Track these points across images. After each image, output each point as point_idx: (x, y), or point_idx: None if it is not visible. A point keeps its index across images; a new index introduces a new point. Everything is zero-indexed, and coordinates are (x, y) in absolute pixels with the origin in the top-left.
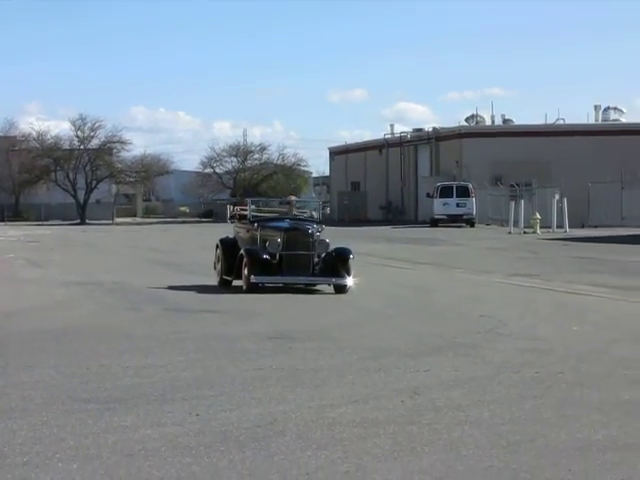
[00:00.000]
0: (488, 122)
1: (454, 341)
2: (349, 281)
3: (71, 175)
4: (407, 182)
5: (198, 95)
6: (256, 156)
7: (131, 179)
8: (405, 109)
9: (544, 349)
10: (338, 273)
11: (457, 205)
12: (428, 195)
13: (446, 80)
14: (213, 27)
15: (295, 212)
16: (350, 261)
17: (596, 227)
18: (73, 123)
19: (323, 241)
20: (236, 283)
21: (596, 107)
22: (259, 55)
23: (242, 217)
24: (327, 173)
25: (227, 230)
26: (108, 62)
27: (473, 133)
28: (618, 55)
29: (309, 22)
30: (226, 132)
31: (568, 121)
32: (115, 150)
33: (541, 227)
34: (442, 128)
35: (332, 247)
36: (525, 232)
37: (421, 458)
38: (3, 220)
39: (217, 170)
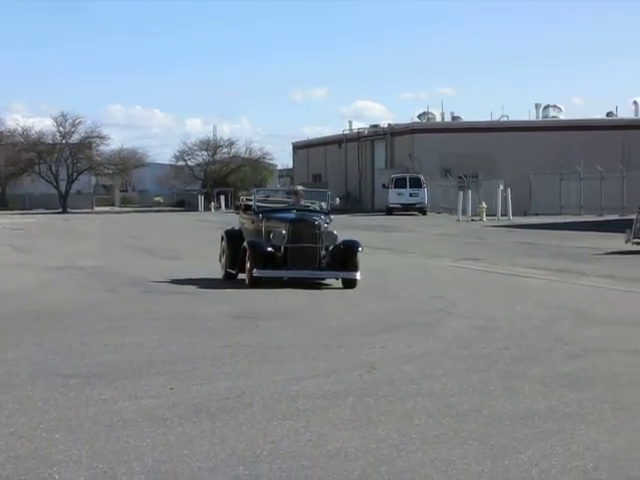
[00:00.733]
0: (438, 119)
1: (408, 320)
2: (358, 275)
3: (53, 168)
4: (364, 174)
5: (171, 93)
6: (225, 150)
7: (109, 171)
8: (363, 107)
9: (490, 327)
10: (346, 267)
11: (410, 195)
12: (384, 186)
13: (401, 80)
14: (185, 26)
15: (303, 203)
16: (358, 254)
17: (537, 215)
18: (55, 120)
19: (331, 233)
20: (242, 276)
21: (537, 105)
22: (228, 55)
23: (247, 207)
24: (291, 166)
25: (196, 218)
26: (88, 62)
27: (425, 129)
28: (558, 58)
29: (274, 22)
30: (197, 128)
31: (511, 118)
32: (94, 144)
33: (487, 215)
34: (396, 124)
35: (340, 239)
36: (472, 220)
37: (377, 427)
38: None
39: (189, 163)
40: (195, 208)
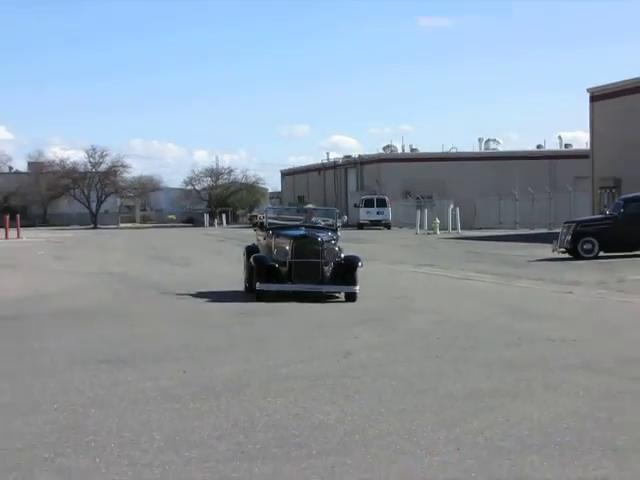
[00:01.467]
0: (400, 150)
1: (377, 315)
2: (357, 289)
3: (85, 191)
4: (339, 195)
5: (182, 129)
6: (225, 176)
7: (131, 194)
8: (338, 140)
9: (443, 320)
10: (347, 281)
11: (377, 213)
12: (355, 205)
13: (369, 119)
14: (194, 70)
15: (314, 220)
16: (358, 268)
17: (480, 229)
18: (87, 152)
19: (332, 249)
20: None
21: (480, 139)
22: (228, 96)
23: (262, 225)
24: (279, 189)
25: (202, 233)
26: (113, 102)
27: (389, 159)
28: (497, 97)
29: (265, 66)
30: (203, 158)
31: (459, 149)
32: (119, 172)
33: (440, 229)
34: (365, 155)
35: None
36: (428, 233)
37: (352, 402)
38: (35, 226)
39: (196, 187)
40: (201, 224)
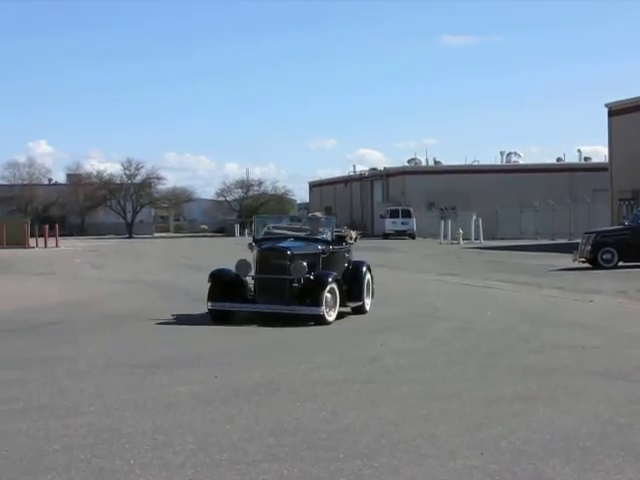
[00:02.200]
0: (424, 163)
1: (401, 322)
2: (321, 311)
3: (121, 202)
4: (365, 206)
5: (214, 143)
6: (256, 188)
7: (165, 205)
8: (364, 154)
9: (466, 328)
10: (312, 301)
11: (402, 223)
12: (381, 216)
13: (395, 132)
14: (225, 86)
15: (321, 230)
16: (330, 289)
17: (502, 239)
18: (123, 164)
19: (299, 264)
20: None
21: (501, 152)
22: (259, 110)
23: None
24: (307, 200)
25: (233, 242)
26: (148, 116)
27: (413, 171)
28: (517, 116)
29: (293, 94)
30: (234, 170)
31: (482, 162)
32: (153, 184)
33: (463, 239)
34: (391, 168)
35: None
36: (451, 243)
37: (379, 407)
38: (72, 235)
39: (227, 198)
40: (232, 234)
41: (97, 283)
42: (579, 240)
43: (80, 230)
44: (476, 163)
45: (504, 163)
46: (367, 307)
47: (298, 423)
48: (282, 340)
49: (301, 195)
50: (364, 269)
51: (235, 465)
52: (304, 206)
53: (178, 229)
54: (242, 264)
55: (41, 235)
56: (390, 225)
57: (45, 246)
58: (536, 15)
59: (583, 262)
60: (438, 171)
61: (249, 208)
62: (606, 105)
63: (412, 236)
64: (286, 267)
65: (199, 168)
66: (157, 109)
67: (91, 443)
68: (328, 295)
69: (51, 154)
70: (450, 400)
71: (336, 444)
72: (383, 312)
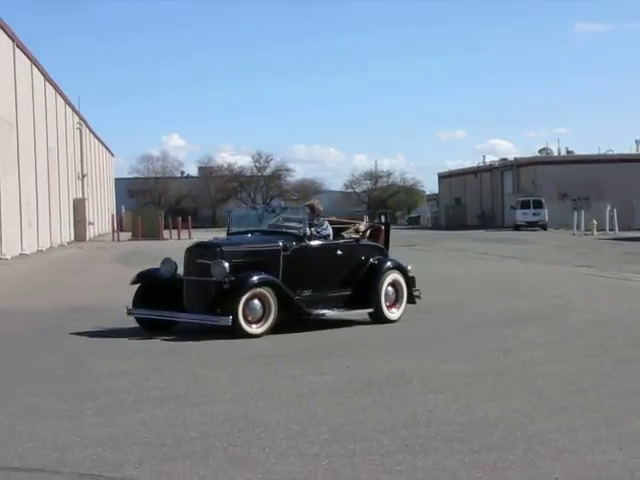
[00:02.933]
0: (556, 153)
1: (535, 314)
2: (233, 321)
3: (252, 194)
4: (495, 197)
5: (343, 135)
6: (384, 179)
7: (294, 197)
8: (494, 144)
9: (602, 320)
10: (223, 309)
11: (533, 214)
12: (512, 207)
13: (526, 123)
14: (367, 76)
15: (321, 220)
16: (253, 295)
17: (638, 230)
18: (253, 157)
19: (219, 263)
20: None
21: (636, 141)
22: (388, 101)
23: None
24: (437, 191)
25: None
26: (279, 111)
27: (545, 161)
28: None
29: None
30: (363, 162)
31: (616, 151)
32: (282, 176)
33: (597, 230)
34: (521, 158)
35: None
36: (585, 234)
37: (513, 400)
38: (204, 227)
39: (356, 190)
40: None
41: None
42: None
43: (211, 222)
44: (610, 152)
45: (639, 152)
46: (389, 314)
47: (431, 415)
48: (411, 333)
49: (430, 186)
50: (384, 269)
51: (369, 456)
52: (433, 197)
53: None
54: (166, 263)
55: (174, 227)
56: (521, 216)
57: (178, 238)
58: None
59: None
60: (571, 161)
61: (378, 200)
62: None
63: (544, 227)
64: (208, 267)
65: (328, 160)
66: (287, 101)
67: (227, 431)
68: (257, 303)
69: (183, 147)
70: (587, 393)
71: (470, 436)
72: (514, 303)
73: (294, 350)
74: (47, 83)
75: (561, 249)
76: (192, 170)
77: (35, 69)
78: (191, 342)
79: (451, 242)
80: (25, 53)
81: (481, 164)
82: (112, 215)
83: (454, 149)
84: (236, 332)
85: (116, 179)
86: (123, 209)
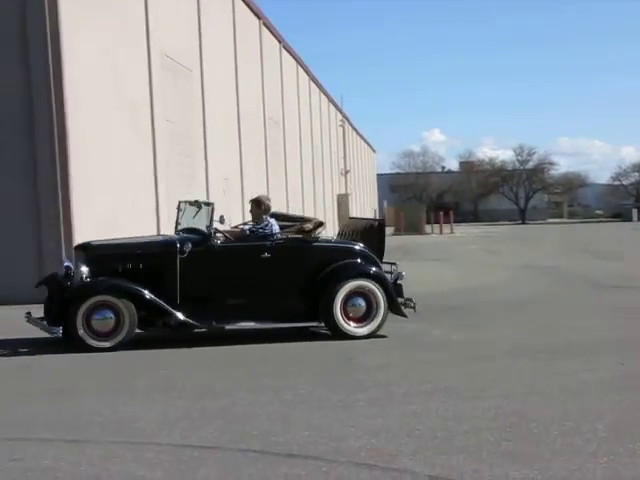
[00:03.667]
0: None
1: None
2: (58, 332)
3: (514, 189)
4: None
5: (609, 127)
6: None
7: (557, 190)
8: None
9: None
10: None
11: None
12: None
13: None
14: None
15: (265, 219)
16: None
17: None
18: (515, 150)
19: (76, 269)
20: None
21: None
22: None
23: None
24: None
25: (630, 227)
26: (543, 104)
27: None
28: None
29: None
30: (631, 154)
31: None
32: (546, 169)
33: None
34: None
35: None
36: None
37: None
38: (465, 221)
39: (624, 182)
40: (629, 219)
41: (493, 269)
42: None
43: (473, 216)
44: None
45: None
46: (350, 329)
47: None
48: None
49: None
50: (343, 275)
51: None
52: None
53: (572, 215)
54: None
55: (436, 222)
56: None
57: (440, 232)
58: None
59: None
60: None
61: None
62: None
63: None
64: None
65: (593, 152)
66: (550, 95)
67: (499, 426)
68: (108, 312)
69: (444, 142)
70: None
71: None
72: None
73: (561, 344)
74: (311, 82)
75: None
76: (453, 165)
77: (300, 69)
78: (462, 336)
79: None
80: (291, 54)
81: None
82: (374, 210)
83: None
84: (80, 347)
85: (378, 174)
86: (385, 204)
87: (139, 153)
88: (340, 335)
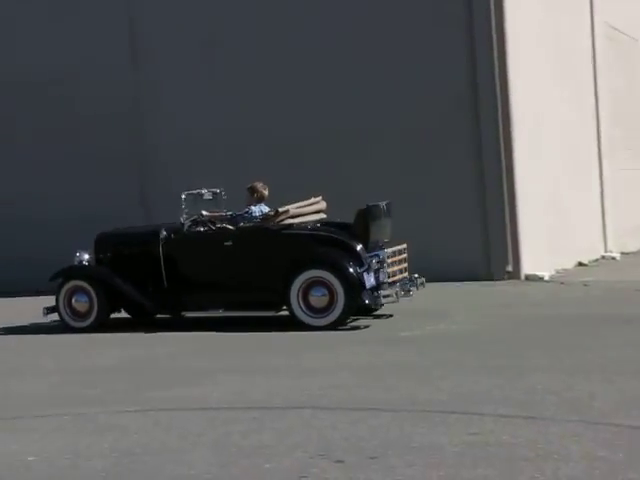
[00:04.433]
0: None
1: None
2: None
3: None
4: None
5: None
6: None
7: None
8: None
9: None
10: None
11: None
12: None
13: None
14: None
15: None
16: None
17: None
18: None
19: (78, 254)
20: None
21: None
22: None
23: None
24: None
25: None
26: None
27: None
28: None
29: None
30: None
31: None
32: None
33: None
34: None
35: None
36: None
37: None
38: None
39: None
40: None
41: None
42: None
43: None
44: None
45: None
46: (307, 319)
47: None
48: None
49: None
50: (300, 264)
51: None
52: None
53: None
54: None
55: None
56: None
57: None
58: None
59: None
60: None
61: None
62: None
63: None
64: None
65: None
66: None
67: None
68: (83, 296)
69: None
70: None
71: None
72: None
73: None
74: None
75: None
76: None
77: None
78: None
79: None
80: None
81: None
82: None
83: None
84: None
85: None
86: None
87: (580, 129)
88: (299, 324)
